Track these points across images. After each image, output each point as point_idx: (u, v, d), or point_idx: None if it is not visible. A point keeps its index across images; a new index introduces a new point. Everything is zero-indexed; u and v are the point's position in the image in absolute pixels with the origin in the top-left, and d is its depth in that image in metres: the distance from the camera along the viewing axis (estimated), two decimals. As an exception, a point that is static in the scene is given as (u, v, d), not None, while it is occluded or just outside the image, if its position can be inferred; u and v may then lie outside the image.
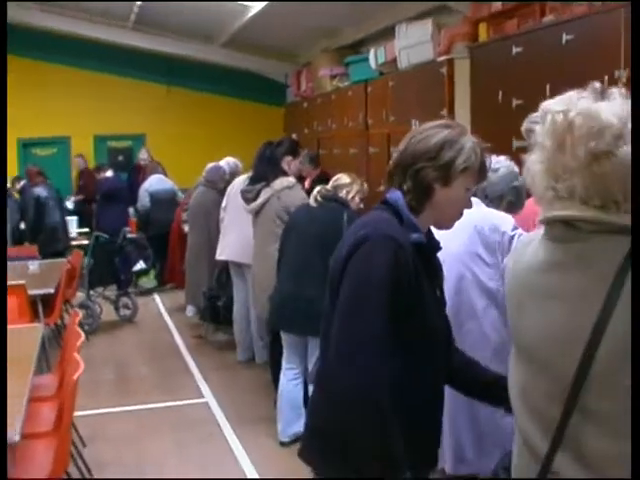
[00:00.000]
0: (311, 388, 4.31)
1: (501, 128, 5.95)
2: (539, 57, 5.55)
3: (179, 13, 10.27)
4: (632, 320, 1.32)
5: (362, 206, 4.57)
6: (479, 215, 2.94)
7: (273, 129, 11.77)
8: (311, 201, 4.44)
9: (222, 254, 6.28)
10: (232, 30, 10.66)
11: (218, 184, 7.20)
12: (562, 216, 1.46)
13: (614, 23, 4.79)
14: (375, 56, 8.14)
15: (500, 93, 5.92)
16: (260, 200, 5.07)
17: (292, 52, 11.62)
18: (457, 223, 2.08)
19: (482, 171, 2.05)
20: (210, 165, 7.44)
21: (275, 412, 4.94)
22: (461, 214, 2.11)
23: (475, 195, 2.98)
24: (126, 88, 12.11)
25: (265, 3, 9.09)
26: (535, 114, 1.63)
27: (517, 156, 5.48)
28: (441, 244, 2.17)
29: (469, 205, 2.10)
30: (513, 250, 1.71)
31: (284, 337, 4.56)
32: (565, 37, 5.24)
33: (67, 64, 12.08)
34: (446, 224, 2.12)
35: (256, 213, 5.15)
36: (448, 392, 2.15)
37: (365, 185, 4.60)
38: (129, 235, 8.53)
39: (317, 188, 4.51)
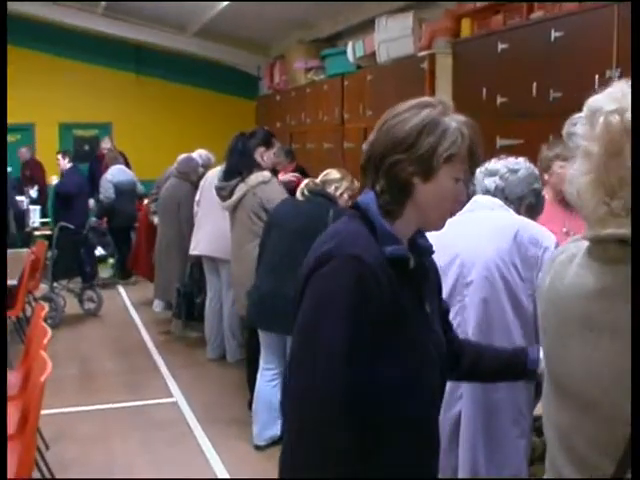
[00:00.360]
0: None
1: (485, 126, 5.71)
2: (526, 54, 5.43)
3: (151, 2, 10.02)
4: (632, 319, 1.20)
5: (350, 204, 4.41)
6: (520, 224, 2.69)
7: (244, 122, 11.52)
8: (297, 194, 4.27)
9: (196, 249, 6.07)
10: (205, 20, 10.44)
11: (191, 176, 6.97)
12: (620, 235, 1.25)
13: (606, 21, 4.67)
14: (353, 49, 7.97)
15: (484, 90, 5.78)
16: (235, 197, 4.85)
17: (265, 44, 11.43)
18: (494, 227, 1.88)
19: (473, 156, 1.72)
20: (182, 156, 7.19)
21: (248, 413, 4.77)
22: (454, 210, 1.82)
23: (495, 196, 2.84)
24: (94, 75, 11.80)
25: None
26: (577, 115, 1.39)
27: (500, 153, 5.35)
28: (457, 248, 1.96)
29: (462, 197, 1.78)
30: (548, 268, 1.42)
31: (262, 336, 4.39)
32: (554, 34, 5.11)
33: (32, 49, 11.70)
34: (434, 225, 1.77)
35: (232, 210, 4.93)
36: (465, 408, 1.99)
37: (356, 182, 4.42)
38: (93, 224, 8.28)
39: (305, 181, 4.35)
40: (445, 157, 1.65)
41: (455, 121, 1.73)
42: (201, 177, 7.31)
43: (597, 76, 4.73)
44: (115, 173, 9.24)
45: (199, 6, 10.03)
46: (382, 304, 1.60)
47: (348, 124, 8.29)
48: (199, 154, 7.80)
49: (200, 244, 6.00)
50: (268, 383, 4.37)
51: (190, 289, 6.62)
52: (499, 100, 5.67)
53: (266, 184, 4.78)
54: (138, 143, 11.53)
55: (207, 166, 7.95)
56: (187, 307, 6.61)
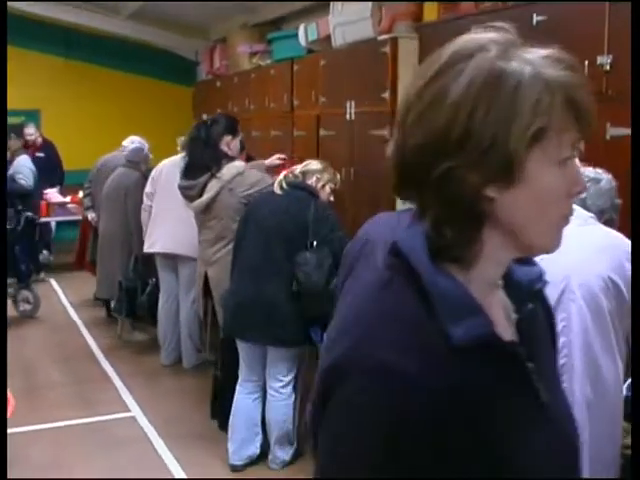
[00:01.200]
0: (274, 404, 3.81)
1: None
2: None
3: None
4: (632, 319, 0.93)
5: (332, 198, 4.06)
6: (619, 238, 2.34)
7: (181, 109, 11.07)
8: (275, 187, 3.90)
9: (154, 246, 5.62)
10: (139, 1, 9.86)
11: (141, 166, 6.57)
12: None
13: (595, 4, 4.42)
14: (305, 33, 7.56)
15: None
16: (208, 196, 4.34)
17: (204, 28, 10.89)
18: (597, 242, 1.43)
19: (580, 112, 1.01)
20: (133, 146, 6.83)
21: (214, 427, 4.39)
22: (570, 210, 1.04)
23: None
24: (18, 59, 10.99)
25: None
26: None
27: None
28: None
29: (581, 183, 1.04)
30: None
31: (241, 346, 4.01)
32: (536, 18, 4.84)
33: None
34: (544, 245, 1.05)
35: (204, 210, 4.43)
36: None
37: (338, 175, 4.08)
38: (30, 216, 7.58)
39: (283, 173, 3.98)
40: (530, 137, 0.97)
41: (530, 64, 1.07)
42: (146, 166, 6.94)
43: (587, 62, 4.50)
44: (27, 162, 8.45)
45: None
46: (449, 440, 0.92)
47: (298, 111, 7.88)
48: (131, 141, 7.29)
49: (160, 241, 5.56)
50: (248, 396, 4.01)
51: (133, 284, 6.17)
52: (472, 86, 5.36)
53: (242, 175, 4.34)
54: (67, 131, 10.85)
55: None
56: (129, 303, 6.16)
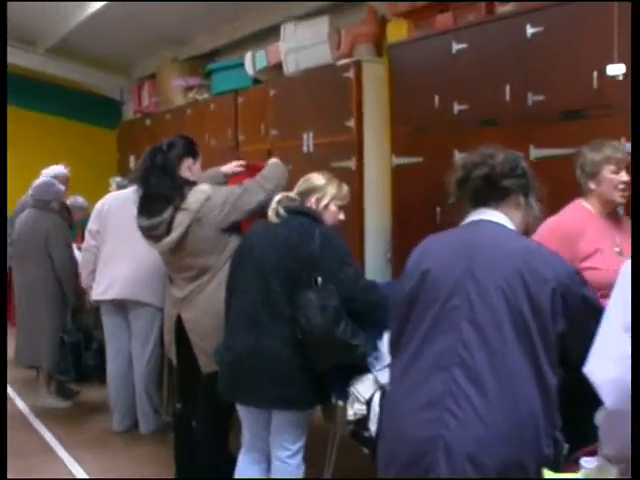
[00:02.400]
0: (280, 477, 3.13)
1: (439, 138, 5.09)
2: (492, 54, 4.73)
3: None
4: (632, 319, 1.35)
5: (342, 217, 3.39)
6: None
7: (103, 152, 10.32)
8: (270, 215, 3.25)
9: (107, 293, 4.85)
10: (59, 35, 9.15)
11: (53, 204, 5.75)
12: None
13: (602, 11, 4.04)
14: (253, 61, 7.03)
15: (437, 97, 5.03)
16: (177, 232, 3.59)
17: (128, 64, 10.23)
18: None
19: None
20: (39, 181, 5.85)
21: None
22: None
23: None
24: None
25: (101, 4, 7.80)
26: None
27: None
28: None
29: None
30: None
31: (241, 410, 3.32)
32: (530, 30, 4.44)
33: None
34: None
35: (174, 249, 3.69)
36: None
37: (345, 188, 3.43)
38: None
39: (278, 197, 3.32)
40: None
41: None
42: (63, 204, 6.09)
43: (596, 73, 4.10)
44: None
45: (54, 20, 8.78)
46: None
47: (244, 147, 7.30)
48: (53, 172, 6.26)
49: (115, 286, 4.81)
50: (252, 467, 3.31)
51: (77, 339, 5.40)
52: (457, 108, 4.94)
53: (211, 200, 3.66)
54: (-21, 177, 9.96)
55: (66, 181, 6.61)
56: (74, 363, 5.37)
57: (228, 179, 4.16)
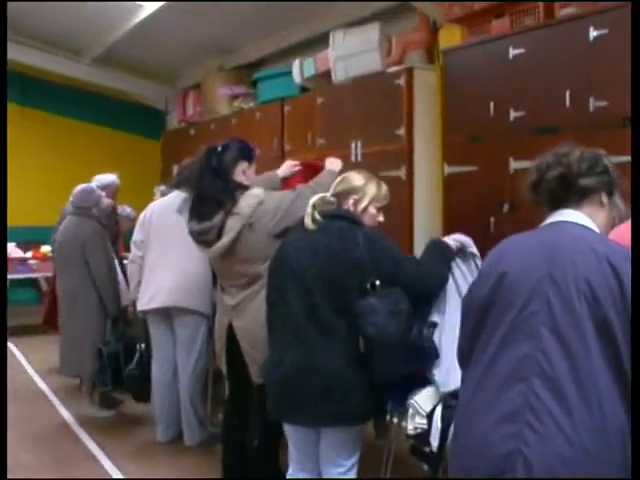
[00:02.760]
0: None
1: (494, 146, 4.94)
2: (551, 59, 4.58)
3: (44, 19, 8.66)
4: (632, 319, 1.37)
5: (381, 218, 3.20)
6: None
7: (148, 161, 10.31)
8: (307, 222, 3.07)
9: (152, 302, 4.76)
10: (105, 45, 9.16)
11: (93, 211, 5.68)
12: None
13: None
14: (301, 69, 6.95)
15: (492, 104, 4.89)
16: (228, 237, 3.48)
17: (173, 74, 10.23)
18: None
19: None
20: (79, 188, 5.76)
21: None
22: None
23: None
24: (-31, 106, 10.21)
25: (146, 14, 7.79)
26: None
27: (515, 179, 4.39)
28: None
29: None
30: None
31: (290, 429, 3.15)
32: (593, 33, 4.29)
33: None
34: None
35: (223, 256, 3.57)
36: None
37: (384, 187, 3.23)
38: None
39: (313, 200, 3.11)
40: None
41: None
42: (106, 211, 6.06)
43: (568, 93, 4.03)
44: None
45: (99, 29, 8.80)
46: None
47: (291, 156, 7.18)
48: (98, 180, 6.40)
49: (160, 295, 4.73)
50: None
51: (115, 349, 5.32)
52: (513, 115, 4.79)
53: (263, 204, 3.53)
54: (25, 185, 10.04)
55: (114, 191, 6.64)
56: (114, 373, 5.29)
57: (284, 182, 4.05)
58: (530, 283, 2.00)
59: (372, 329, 2.76)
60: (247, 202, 3.50)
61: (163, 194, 6.74)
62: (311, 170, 4.02)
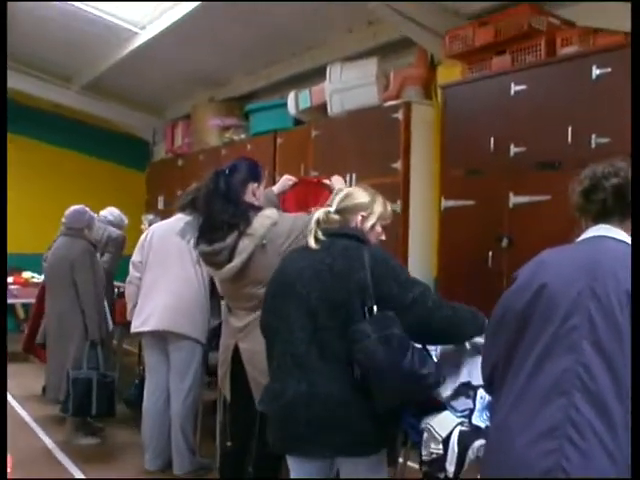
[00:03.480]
0: None
1: (494, 180, 4.97)
2: (553, 96, 4.64)
3: (35, 44, 8.63)
4: (632, 319, 1.42)
5: (384, 237, 3.04)
6: None
7: (132, 191, 10.24)
8: (309, 240, 2.87)
9: (146, 324, 4.67)
10: (95, 73, 9.15)
11: (85, 232, 5.65)
12: None
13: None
14: (296, 101, 6.98)
15: (492, 140, 4.93)
16: (241, 258, 3.40)
17: (163, 104, 10.22)
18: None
19: None
20: (71, 209, 5.73)
21: None
22: None
23: None
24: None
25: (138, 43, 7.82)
26: None
27: (513, 214, 4.40)
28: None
29: None
30: None
31: (294, 462, 2.93)
32: (596, 71, 4.35)
33: None
34: None
35: (235, 277, 3.48)
36: None
37: (389, 206, 3.08)
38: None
39: (316, 216, 2.92)
40: None
41: None
42: (102, 237, 6.28)
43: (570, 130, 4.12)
44: None
45: (90, 57, 8.79)
46: None
47: (282, 187, 7.19)
48: (110, 212, 6.76)
49: (152, 317, 4.63)
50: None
51: (86, 376, 5.21)
52: (513, 150, 4.83)
53: (277, 225, 3.47)
54: (8, 212, 9.90)
55: (120, 227, 6.82)
56: (79, 400, 5.17)
57: (281, 197, 4.00)
58: (571, 296, 1.96)
59: (361, 355, 2.61)
60: (260, 223, 3.43)
61: (151, 223, 6.76)
62: (305, 186, 3.97)
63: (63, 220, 5.72)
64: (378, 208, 2.98)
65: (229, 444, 3.84)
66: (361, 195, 2.97)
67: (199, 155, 8.83)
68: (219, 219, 3.46)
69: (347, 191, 3.01)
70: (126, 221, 7.00)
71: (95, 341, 5.36)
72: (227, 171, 3.57)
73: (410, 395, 2.77)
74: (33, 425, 5.91)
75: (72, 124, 10.53)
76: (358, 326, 2.63)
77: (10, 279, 8.25)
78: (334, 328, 2.69)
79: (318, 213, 2.92)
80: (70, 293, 5.42)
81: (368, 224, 2.93)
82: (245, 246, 3.41)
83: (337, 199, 2.96)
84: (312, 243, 2.84)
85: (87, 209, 5.77)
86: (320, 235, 2.84)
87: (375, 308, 2.66)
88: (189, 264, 4.60)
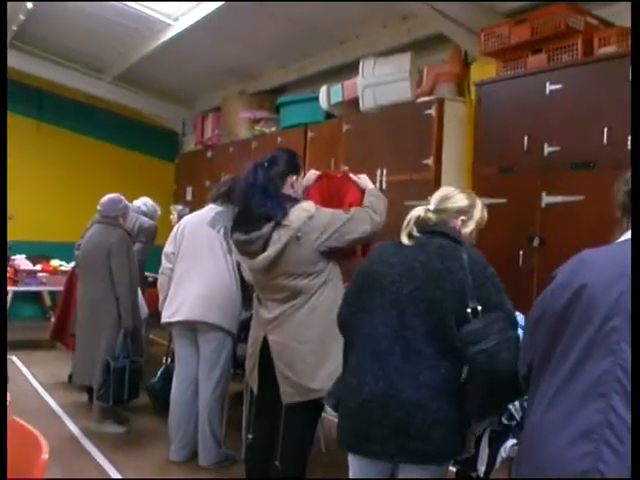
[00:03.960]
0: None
1: (526, 179, 4.93)
2: (589, 96, 4.59)
3: (67, 34, 8.67)
4: (632, 319, 1.40)
5: (474, 242, 2.95)
6: None
7: (160, 182, 10.27)
8: (402, 236, 2.77)
9: (176, 314, 4.69)
10: (127, 64, 9.18)
11: (120, 220, 5.64)
12: None
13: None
14: (328, 95, 6.97)
15: (526, 138, 4.89)
16: (275, 248, 3.40)
17: (194, 95, 10.25)
18: None
19: None
20: (107, 197, 5.72)
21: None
22: None
23: None
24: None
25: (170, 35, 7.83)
26: None
27: (545, 214, 4.33)
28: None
29: None
30: None
31: (355, 462, 2.83)
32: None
33: None
34: None
35: (267, 267, 3.48)
36: None
37: (485, 212, 2.98)
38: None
39: (413, 213, 2.83)
40: None
41: None
42: (134, 226, 6.36)
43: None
44: None
45: (122, 48, 8.83)
46: None
47: (311, 181, 7.19)
48: (143, 202, 6.88)
49: (183, 308, 4.66)
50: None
51: (122, 364, 5.22)
52: (547, 149, 4.79)
53: (314, 219, 3.45)
54: (36, 199, 10.01)
55: (153, 217, 6.85)
56: (117, 388, 5.20)
57: (305, 192, 3.97)
58: (611, 297, 1.93)
59: (482, 357, 2.47)
60: (297, 215, 3.42)
61: (179, 213, 6.80)
62: (329, 180, 3.95)
63: (98, 208, 5.71)
64: (478, 214, 2.91)
65: (250, 437, 3.84)
66: (462, 198, 2.90)
67: (229, 147, 8.84)
68: (257, 211, 3.46)
69: (447, 192, 2.93)
70: (159, 212, 7.02)
71: (128, 329, 5.36)
72: (266, 163, 3.55)
73: (509, 402, 2.70)
74: (60, 412, 5.95)
75: (103, 115, 10.58)
76: (473, 326, 2.52)
77: (38, 267, 8.32)
78: (421, 327, 2.60)
79: (416, 210, 2.84)
80: (105, 280, 5.39)
81: (468, 230, 2.85)
82: (279, 236, 3.40)
83: (436, 199, 2.89)
84: (405, 239, 2.76)
85: (122, 198, 5.77)
86: (415, 232, 2.76)
87: (479, 309, 2.57)
88: (220, 255, 4.61)
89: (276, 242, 3.41)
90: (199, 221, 4.77)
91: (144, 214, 6.82)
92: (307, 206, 3.48)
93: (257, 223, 3.45)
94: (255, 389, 3.76)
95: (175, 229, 4.97)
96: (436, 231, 2.74)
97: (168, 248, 4.90)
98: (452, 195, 2.89)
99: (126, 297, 5.37)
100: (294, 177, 3.60)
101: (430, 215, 2.82)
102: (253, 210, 3.48)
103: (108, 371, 5.20)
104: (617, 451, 1.81)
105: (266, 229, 3.42)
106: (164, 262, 4.90)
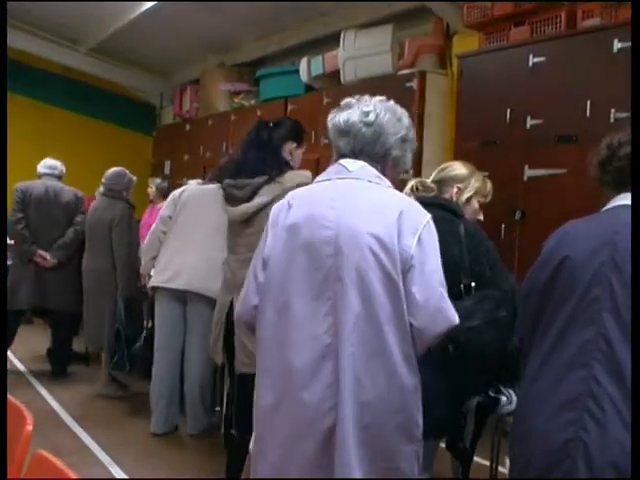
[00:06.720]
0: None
1: (509, 153, 4.93)
2: (573, 69, 4.59)
3: (42, 5, 8.50)
4: (632, 319, 1.42)
5: (481, 217, 2.98)
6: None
7: (138, 155, 10.14)
8: None
9: (172, 281, 4.63)
10: (103, 35, 9.02)
11: (123, 193, 5.82)
12: None
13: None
14: (308, 67, 6.91)
15: (508, 111, 4.89)
16: (260, 200, 3.37)
17: (172, 68, 10.11)
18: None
19: None
20: (112, 170, 5.92)
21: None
22: None
23: None
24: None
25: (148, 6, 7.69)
26: None
27: (528, 187, 4.35)
28: None
29: None
30: None
31: None
32: (617, 45, 4.30)
33: None
34: None
35: (245, 219, 3.46)
36: None
37: (489, 184, 3.01)
38: None
39: (411, 183, 2.83)
40: None
41: None
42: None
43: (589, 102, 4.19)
44: None
45: (99, 19, 8.67)
46: None
47: (291, 155, 7.14)
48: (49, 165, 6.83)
49: (179, 276, 4.61)
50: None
51: (132, 331, 5.35)
52: (530, 122, 4.78)
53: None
54: (9, 172, 9.85)
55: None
56: (130, 356, 5.30)
57: None
58: (592, 268, 1.94)
59: (465, 336, 2.42)
60: (292, 177, 3.39)
61: (158, 188, 6.76)
62: None
63: (102, 181, 5.92)
64: (476, 182, 2.93)
65: (217, 409, 3.82)
66: (458, 167, 2.95)
67: (208, 120, 8.76)
68: (252, 164, 3.45)
69: (444, 165, 2.98)
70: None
71: (125, 299, 5.48)
72: (271, 123, 3.57)
73: (505, 381, 2.66)
74: (39, 386, 5.92)
75: (78, 86, 10.40)
76: (460, 303, 2.41)
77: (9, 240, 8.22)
78: None
79: (412, 181, 2.84)
80: (108, 252, 5.60)
81: (464, 197, 2.88)
82: (269, 190, 3.37)
83: (435, 171, 2.93)
84: None
85: (127, 171, 5.95)
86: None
87: (473, 285, 2.53)
88: (222, 232, 4.57)
89: (264, 194, 3.38)
90: (206, 195, 4.65)
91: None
92: (305, 174, 3.45)
93: (251, 174, 3.42)
94: (218, 360, 3.69)
95: (176, 193, 4.86)
96: (433, 203, 2.67)
97: (165, 211, 4.84)
98: (449, 166, 2.97)
99: (123, 268, 5.54)
100: (294, 145, 3.60)
101: (429, 185, 2.86)
102: (249, 162, 3.47)
103: (119, 339, 5.35)
104: (598, 419, 1.83)
105: (258, 180, 3.40)
106: (158, 223, 4.84)
